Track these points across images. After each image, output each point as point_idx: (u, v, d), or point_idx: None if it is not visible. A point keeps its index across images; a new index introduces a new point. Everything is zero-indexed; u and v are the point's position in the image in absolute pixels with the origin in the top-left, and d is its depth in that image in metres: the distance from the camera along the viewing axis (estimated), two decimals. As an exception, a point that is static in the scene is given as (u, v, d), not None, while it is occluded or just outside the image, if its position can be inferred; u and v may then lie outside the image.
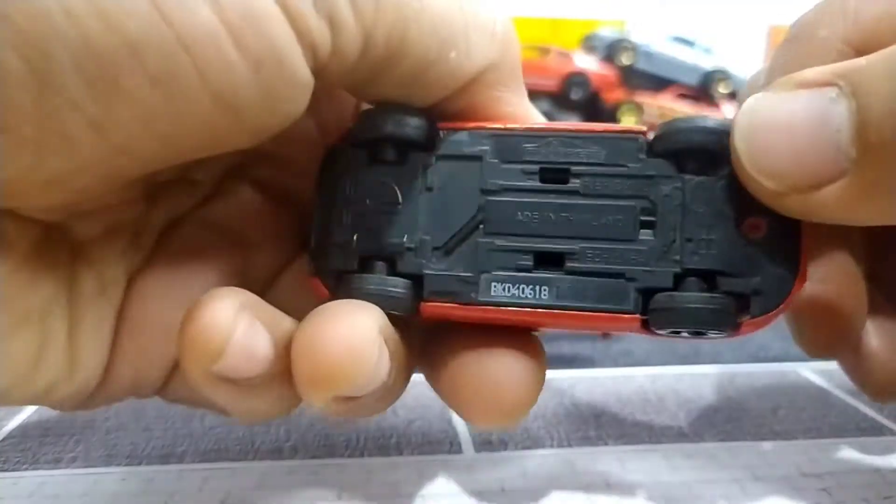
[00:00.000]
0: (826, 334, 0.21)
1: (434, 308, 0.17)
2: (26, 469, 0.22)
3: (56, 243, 0.17)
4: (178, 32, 0.13)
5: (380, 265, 0.17)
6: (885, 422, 0.25)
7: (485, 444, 0.23)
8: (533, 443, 0.24)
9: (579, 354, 0.32)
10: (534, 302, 0.16)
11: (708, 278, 0.16)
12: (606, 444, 0.24)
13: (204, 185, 0.20)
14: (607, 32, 0.82)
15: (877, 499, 0.21)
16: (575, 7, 0.81)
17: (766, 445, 0.24)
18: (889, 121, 0.13)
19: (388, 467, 0.22)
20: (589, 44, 0.81)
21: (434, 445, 0.23)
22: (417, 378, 0.29)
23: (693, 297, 0.16)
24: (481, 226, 0.17)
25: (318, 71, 0.15)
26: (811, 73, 0.15)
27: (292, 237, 0.21)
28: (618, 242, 0.16)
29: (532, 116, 0.19)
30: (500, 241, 0.17)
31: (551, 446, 0.23)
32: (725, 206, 0.16)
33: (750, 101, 0.15)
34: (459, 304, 0.17)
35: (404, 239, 0.17)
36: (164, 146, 0.15)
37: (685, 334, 0.16)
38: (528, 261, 0.17)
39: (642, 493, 0.21)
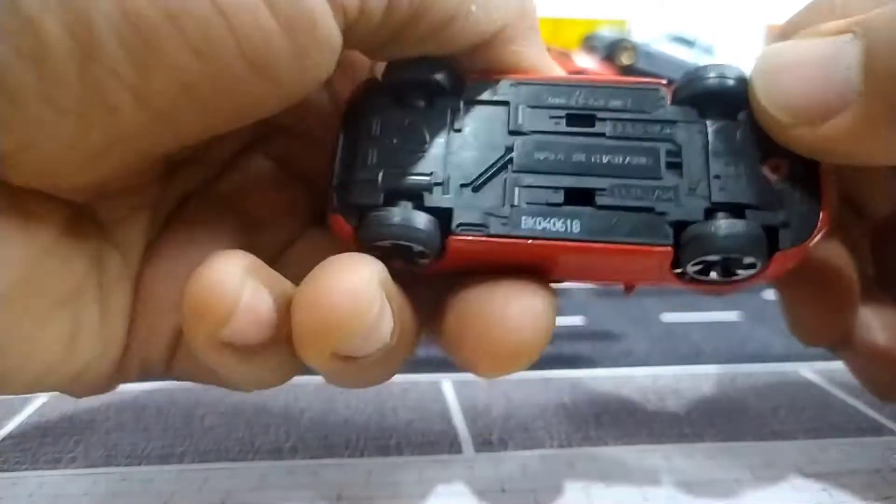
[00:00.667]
0: (818, 320, 0.22)
1: (461, 243, 0.17)
2: (26, 469, 0.22)
3: (84, 225, 0.17)
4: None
5: (405, 203, 0.17)
6: (886, 422, 0.25)
7: (485, 443, 0.23)
8: (533, 443, 0.24)
9: (580, 355, 0.32)
10: (565, 235, 0.16)
11: (736, 212, 0.16)
12: (607, 444, 0.24)
13: (216, 161, 0.20)
14: (607, 32, 0.82)
15: (877, 499, 0.21)
16: (575, 6, 0.81)
17: (767, 445, 0.24)
18: (893, 57, 0.14)
19: (388, 467, 0.22)
20: (589, 43, 0.81)
21: (434, 445, 0.23)
22: (418, 378, 0.29)
23: (725, 223, 0.16)
24: (510, 165, 0.17)
25: (345, 32, 0.15)
26: (830, 24, 0.16)
27: (302, 213, 0.21)
28: (647, 180, 0.17)
29: (553, 70, 0.19)
30: (529, 179, 0.17)
31: (551, 446, 0.23)
32: (747, 147, 0.17)
33: (769, 47, 0.17)
34: (489, 237, 0.17)
35: (431, 175, 0.17)
36: (202, 115, 0.15)
37: (714, 275, 0.17)
38: (558, 197, 0.17)
39: (643, 492, 0.21)
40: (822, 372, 0.30)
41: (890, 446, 0.24)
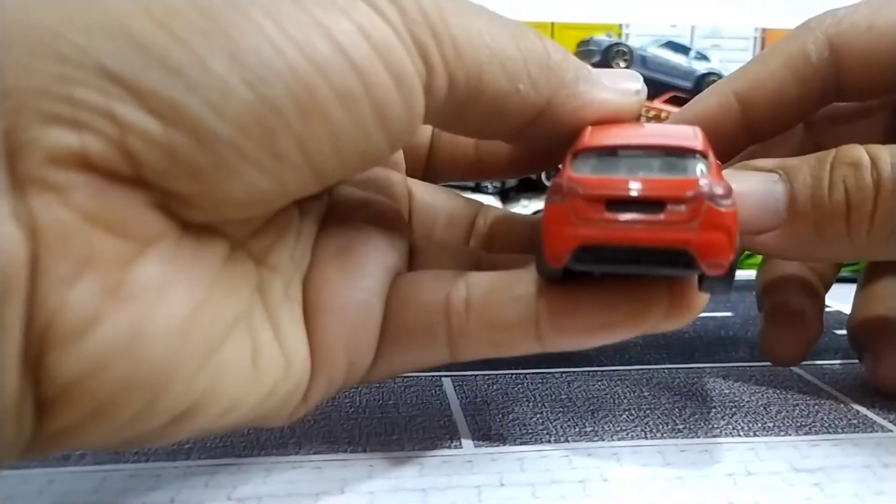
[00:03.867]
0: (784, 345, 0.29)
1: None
2: (35, 467, 0.22)
3: (241, 255, 0.19)
4: (350, 59, 0.16)
5: None
6: (876, 418, 0.26)
7: (484, 438, 0.24)
8: (531, 438, 0.24)
9: (577, 352, 0.32)
10: None
11: None
12: (603, 439, 0.24)
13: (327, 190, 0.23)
14: (603, 37, 0.82)
15: (868, 494, 0.21)
16: (572, 11, 0.82)
17: (759, 441, 0.24)
18: (807, 198, 0.21)
19: (390, 462, 0.22)
20: (585, 48, 0.82)
21: (434, 440, 0.24)
22: (418, 376, 0.29)
23: None
24: None
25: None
26: (760, 162, 0.22)
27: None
28: None
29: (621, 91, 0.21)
30: None
31: (549, 441, 0.24)
32: None
33: (726, 173, 0.21)
34: None
35: None
36: (339, 162, 0.17)
37: None
38: None
39: (637, 487, 0.21)
40: (813, 369, 0.31)
41: (880, 442, 0.24)
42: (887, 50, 0.24)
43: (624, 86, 0.21)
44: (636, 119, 0.21)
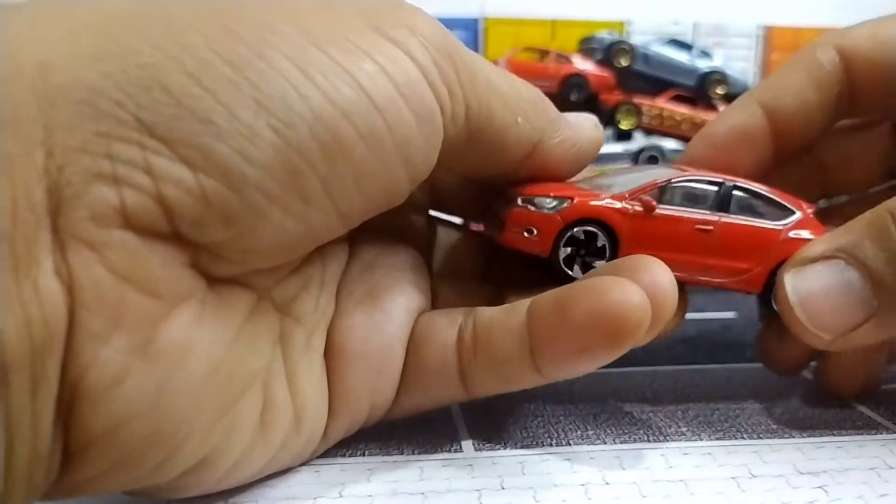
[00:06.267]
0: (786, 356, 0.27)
1: None
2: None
3: (266, 307, 0.20)
4: (373, 100, 0.17)
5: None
6: (880, 419, 0.26)
7: (484, 442, 0.24)
8: (532, 441, 0.24)
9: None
10: None
11: None
12: (605, 442, 0.24)
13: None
14: (605, 34, 0.82)
15: (873, 496, 0.21)
16: (574, 8, 0.81)
17: (763, 443, 0.24)
18: (891, 277, 0.20)
19: (389, 466, 0.22)
20: (587, 46, 0.81)
21: (435, 444, 0.24)
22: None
23: None
24: None
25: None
26: (815, 249, 0.22)
27: None
28: None
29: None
30: None
31: (550, 444, 0.24)
32: None
33: (788, 280, 0.22)
34: None
35: None
36: (364, 202, 0.18)
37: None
38: None
39: (640, 490, 0.21)
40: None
41: (885, 444, 0.24)
42: (891, 55, 0.26)
43: (589, 122, 0.24)
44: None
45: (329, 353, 0.21)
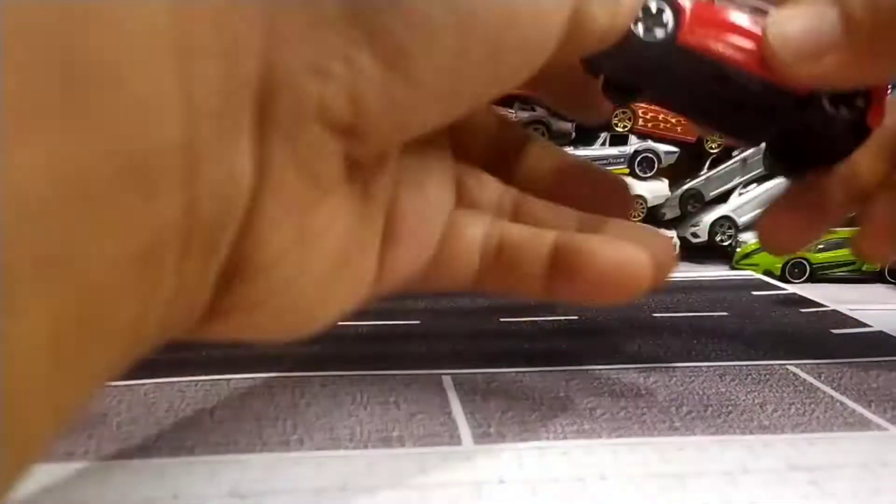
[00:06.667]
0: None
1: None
2: (39, 463, 0.22)
3: (364, 187, 0.19)
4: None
5: None
6: (873, 417, 0.26)
7: (483, 436, 0.24)
8: (530, 435, 0.24)
9: (575, 351, 0.32)
10: None
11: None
12: (601, 436, 0.24)
13: None
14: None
15: (865, 492, 0.21)
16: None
17: (755, 439, 0.24)
18: (863, 13, 0.20)
19: (390, 458, 0.23)
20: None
21: (434, 437, 0.24)
22: (419, 373, 0.29)
23: None
24: None
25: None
26: None
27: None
28: None
29: None
30: None
31: (547, 439, 0.24)
32: None
33: (773, 16, 0.22)
34: None
35: None
36: (490, 80, 0.18)
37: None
38: None
39: (635, 484, 0.21)
40: (809, 368, 0.31)
41: (877, 441, 0.24)
42: None
43: None
44: None
45: (389, 221, 0.21)
